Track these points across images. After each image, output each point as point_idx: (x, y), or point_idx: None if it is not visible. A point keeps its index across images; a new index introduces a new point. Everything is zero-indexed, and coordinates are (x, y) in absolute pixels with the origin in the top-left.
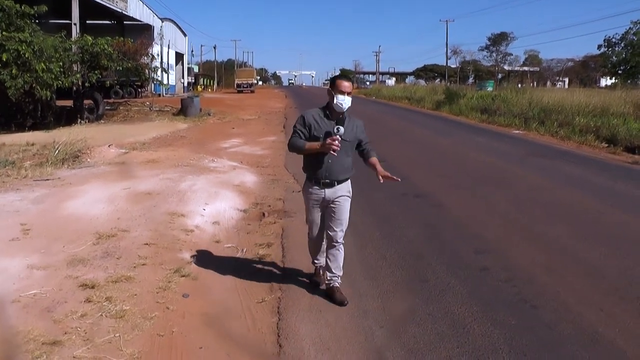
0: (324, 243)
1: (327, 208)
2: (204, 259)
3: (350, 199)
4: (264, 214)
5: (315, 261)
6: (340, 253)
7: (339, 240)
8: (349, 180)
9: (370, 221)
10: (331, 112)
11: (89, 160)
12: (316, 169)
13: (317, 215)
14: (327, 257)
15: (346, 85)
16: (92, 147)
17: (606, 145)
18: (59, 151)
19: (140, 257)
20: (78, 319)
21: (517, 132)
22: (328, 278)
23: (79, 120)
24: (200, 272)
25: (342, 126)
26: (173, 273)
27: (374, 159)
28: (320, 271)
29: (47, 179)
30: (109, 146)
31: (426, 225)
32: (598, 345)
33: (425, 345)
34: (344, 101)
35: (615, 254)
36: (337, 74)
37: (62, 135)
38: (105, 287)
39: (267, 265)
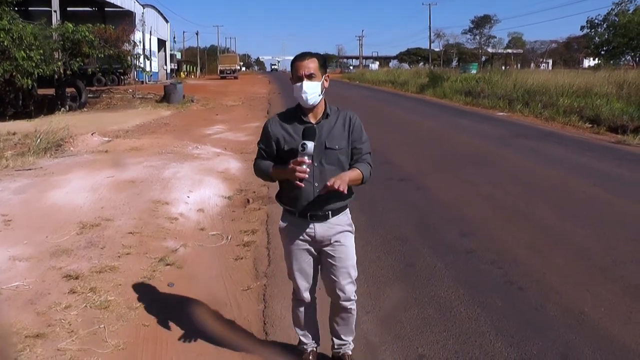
0: (315, 306)
1: (322, 254)
2: (189, 247)
3: (353, 235)
4: (248, 201)
5: (304, 340)
6: (352, 316)
7: (350, 299)
8: (348, 209)
9: (354, 205)
10: (304, 110)
11: (71, 149)
12: (299, 196)
13: (306, 263)
14: (333, 320)
15: (303, 65)
16: (74, 136)
17: (590, 125)
18: (41, 140)
19: (124, 246)
20: (62, 310)
21: (501, 114)
22: (336, 346)
23: (61, 108)
24: (185, 261)
25: (312, 139)
26: (158, 262)
27: (355, 170)
28: (311, 357)
29: (29, 169)
30: (91, 134)
31: (411, 208)
32: (584, 325)
33: (412, 330)
34: (306, 90)
35: (599, 234)
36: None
37: (44, 124)
38: (89, 278)
39: (252, 252)
